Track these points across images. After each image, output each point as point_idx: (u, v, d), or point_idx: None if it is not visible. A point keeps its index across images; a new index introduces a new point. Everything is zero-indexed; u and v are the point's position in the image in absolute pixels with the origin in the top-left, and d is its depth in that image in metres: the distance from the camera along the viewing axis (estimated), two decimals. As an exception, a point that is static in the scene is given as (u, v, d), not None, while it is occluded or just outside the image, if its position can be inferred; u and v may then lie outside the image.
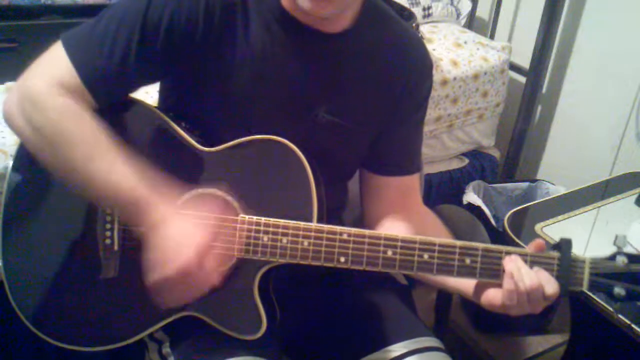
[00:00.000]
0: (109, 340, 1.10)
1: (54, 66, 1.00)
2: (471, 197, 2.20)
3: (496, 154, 2.52)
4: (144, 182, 0.96)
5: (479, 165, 2.44)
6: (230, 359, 1.04)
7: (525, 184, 2.37)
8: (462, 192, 2.27)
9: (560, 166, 2.46)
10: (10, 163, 1.10)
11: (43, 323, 1.10)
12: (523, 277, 0.95)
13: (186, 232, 0.95)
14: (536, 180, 2.37)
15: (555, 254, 0.97)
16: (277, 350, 1.14)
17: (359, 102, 1.13)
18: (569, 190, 1.81)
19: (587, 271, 0.96)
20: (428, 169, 2.30)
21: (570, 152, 2.40)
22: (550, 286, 0.95)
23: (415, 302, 1.31)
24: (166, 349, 1.12)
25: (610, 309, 1.25)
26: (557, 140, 2.47)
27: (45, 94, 0.98)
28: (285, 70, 1.06)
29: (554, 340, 2.21)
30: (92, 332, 1.10)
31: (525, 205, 1.74)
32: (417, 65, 1.17)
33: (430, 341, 1.15)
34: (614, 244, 0.94)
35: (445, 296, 1.60)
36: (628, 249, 0.97)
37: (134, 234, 1.04)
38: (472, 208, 2.16)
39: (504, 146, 2.54)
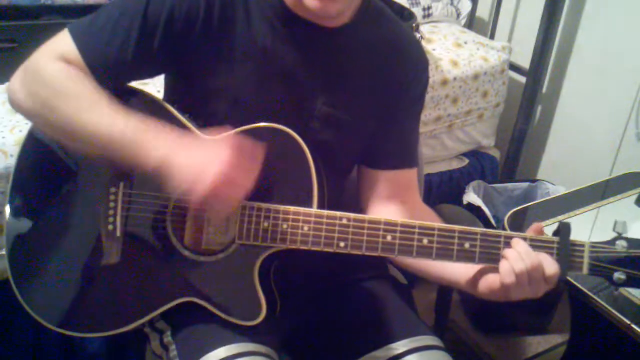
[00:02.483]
0: (111, 326, 1.10)
1: (58, 46, 1.03)
2: (471, 197, 2.21)
3: (496, 154, 2.52)
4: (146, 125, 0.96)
5: (479, 165, 2.44)
6: (230, 345, 1.04)
7: (525, 184, 2.37)
8: (462, 192, 2.27)
9: (560, 166, 2.46)
10: (12, 162, 1.11)
11: (45, 310, 1.10)
12: (522, 255, 0.95)
13: (204, 150, 0.93)
14: (536, 180, 2.37)
15: (555, 238, 0.97)
16: (277, 342, 1.14)
17: (357, 95, 1.14)
18: (569, 190, 1.79)
19: (586, 255, 0.96)
20: (428, 169, 2.30)
21: (570, 152, 2.40)
22: (551, 267, 0.94)
23: (415, 302, 1.31)
24: (167, 338, 1.12)
25: (611, 308, 1.25)
26: (557, 140, 2.47)
27: (46, 63, 1.00)
28: (286, 63, 1.08)
29: (554, 340, 2.20)
30: (94, 318, 1.11)
31: (525, 205, 1.73)
32: (413, 60, 1.19)
33: (431, 340, 1.15)
34: (614, 229, 0.94)
35: (445, 296, 1.59)
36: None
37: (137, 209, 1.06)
38: (472, 208, 2.16)
39: (504, 146, 2.54)
